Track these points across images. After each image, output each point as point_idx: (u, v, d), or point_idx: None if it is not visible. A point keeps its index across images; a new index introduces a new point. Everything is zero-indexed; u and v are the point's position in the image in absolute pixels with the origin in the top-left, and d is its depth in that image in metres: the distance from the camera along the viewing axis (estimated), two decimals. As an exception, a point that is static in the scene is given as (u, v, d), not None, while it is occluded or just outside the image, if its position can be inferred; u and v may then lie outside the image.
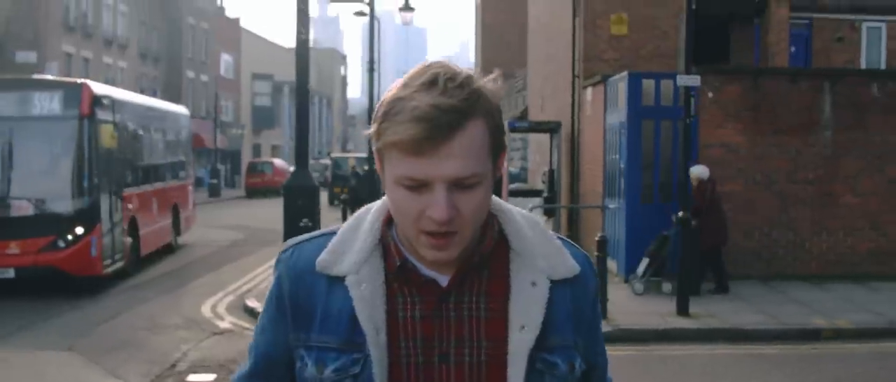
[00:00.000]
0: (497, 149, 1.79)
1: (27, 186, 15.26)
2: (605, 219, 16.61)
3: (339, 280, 1.87)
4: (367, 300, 1.84)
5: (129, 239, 17.18)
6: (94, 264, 15.31)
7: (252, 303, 13.55)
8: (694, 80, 12.46)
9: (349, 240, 1.90)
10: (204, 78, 63.59)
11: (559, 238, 1.97)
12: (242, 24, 75.79)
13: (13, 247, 14.85)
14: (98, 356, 10.71)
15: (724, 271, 14.08)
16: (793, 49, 21.07)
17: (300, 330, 1.90)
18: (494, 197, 1.91)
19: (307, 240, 1.97)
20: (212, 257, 20.99)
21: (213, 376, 9.60)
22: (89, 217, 15.32)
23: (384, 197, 1.88)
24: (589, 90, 18.71)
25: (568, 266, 1.91)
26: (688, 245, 12.48)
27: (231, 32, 70.64)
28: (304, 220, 12.77)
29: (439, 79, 1.72)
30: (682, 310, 12.26)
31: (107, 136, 16.26)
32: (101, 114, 15.95)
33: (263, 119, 75.86)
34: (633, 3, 19.36)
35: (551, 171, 19.87)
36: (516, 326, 1.85)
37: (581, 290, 1.94)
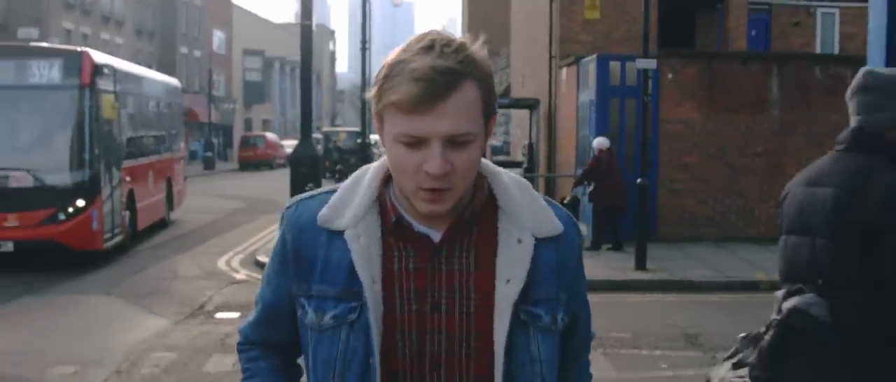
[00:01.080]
0: (488, 111, 1.92)
1: (26, 157, 14.84)
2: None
3: (338, 234, 1.99)
4: (365, 252, 1.96)
5: (127, 213, 16.92)
6: (94, 238, 15.01)
7: (263, 258, 15.27)
8: (650, 64, 14.21)
9: (348, 197, 2.03)
10: (197, 53, 65.09)
11: (545, 199, 2.09)
12: (234, 0, 77.14)
13: (12, 220, 14.46)
14: (134, 299, 12.45)
15: (619, 231, 15.72)
16: (753, 33, 22.81)
17: (302, 281, 2.03)
18: (486, 161, 2.05)
19: (309, 197, 2.09)
20: (215, 224, 22.31)
21: (237, 314, 11.32)
22: (90, 189, 14.93)
23: (382, 158, 2.04)
24: (564, 70, 20.46)
25: (553, 224, 2.04)
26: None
27: (223, 9, 72.04)
28: (309, 185, 14.43)
29: (436, 44, 1.85)
30: (640, 266, 14.03)
31: (107, 107, 15.97)
32: (102, 84, 15.57)
33: (254, 94, 77.30)
34: (605, -11, 21.07)
35: (530, 144, 21.64)
36: (502, 280, 1.97)
37: (565, 248, 2.06)
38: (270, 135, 61.14)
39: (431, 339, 1.97)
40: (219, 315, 11.42)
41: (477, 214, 2.00)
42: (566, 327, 2.09)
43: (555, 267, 2.03)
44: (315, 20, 16.27)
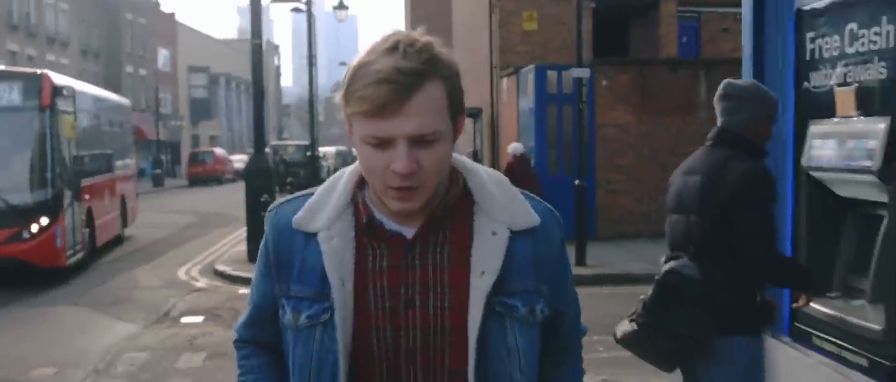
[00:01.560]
0: (455, 109, 1.92)
1: None
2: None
3: (313, 236, 2.02)
4: (336, 253, 1.99)
5: (86, 230, 17.18)
6: (58, 255, 15.29)
7: (221, 267, 15.97)
8: (584, 72, 15.13)
9: (324, 200, 2.06)
10: (142, 72, 65.26)
11: (524, 193, 2.09)
12: (177, 18, 77.35)
13: None
14: (101, 308, 13.09)
15: None
16: (685, 39, 23.85)
17: (282, 282, 2.07)
18: (461, 157, 2.08)
19: (289, 201, 2.14)
20: (170, 238, 22.80)
21: (201, 318, 12.02)
22: (53, 208, 15.22)
23: (356, 162, 2.02)
24: (505, 80, 21.35)
25: (529, 217, 2.03)
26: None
27: (167, 27, 72.19)
28: (265, 196, 15.19)
29: (400, 45, 1.85)
30: (580, 262, 14.91)
31: (67, 127, 16.25)
32: (61, 105, 15.88)
33: (201, 110, 77.43)
34: (542, 2, 22.00)
35: (474, 151, 22.48)
36: (477, 271, 1.97)
37: (543, 239, 2.05)
38: (219, 151, 61.53)
39: (406, 335, 1.98)
40: (184, 319, 12.10)
41: (450, 210, 2.01)
42: (549, 320, 2.09)
43: (532, 259, 2.03)
44: (251, 28, 16.99)
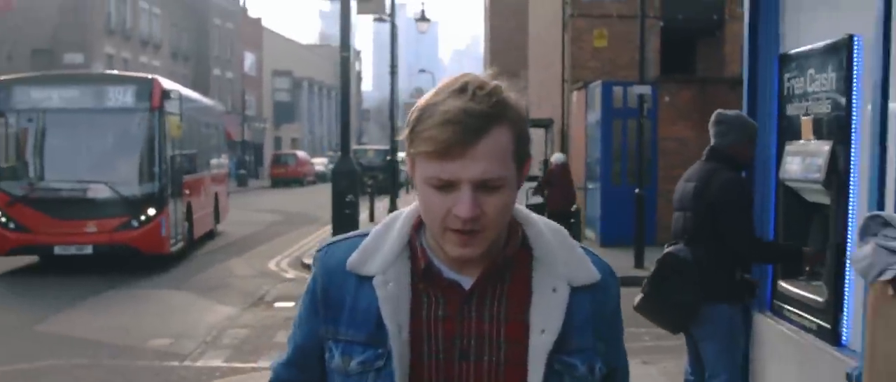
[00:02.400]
0: (521, 155, 1.89)
1: (104, 171, 16.52)
2: (586, 198, 20.50)
3: (367, 279, 1.97)
4: (393, 299, 1.94)
5: (186, 223, 18.66)
6: (162, 243, 16.82)
7: (308, 260, 17.40)
8: (646, 89, 16.34)
9: (379, 243, 2.01)
10: (229, 75, 67.59)
11: (582, 247, 2.04)
12: (263, 23, 79.76)
13: (91, 226, 16.28)
14: (203, 292, 14.63)
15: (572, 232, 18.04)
16: (750, 57, 24.80)
17: (330, 324, 2.01)
18: (521, 207, 2.03)
19: (341, 240, 2.09)
20: (258, 234, 24.40)
21: (292, 303, 13.43)
22: (159, 200, 16.68)
23: (414, 203, 2.01)
24: (574, 94, 22.59)
25: (589, 272, 1.99)
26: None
27: (253, 31, 74.61)
28: (350, 196, 16.59)
29: (469, 87, 1.83)
30: (639, 264, 16.09)
31: (173, 127, 17.54)
32: (168, 107, 17.17)
33: (284, 113, 79.73)
34: (613, 20, 23.19)
35: (545, 161, 23.72)
36: (537, 329, 1.92)
37: (601, 296, 2.00)
38: (301, 153, 63.49)
39: None
40: (277, 304, 13.57)
41: (510, 261, 1.96)
42: (604, 378, 2.04)
43: (591, 315, 1.98)
44: (340, 41, 18.38)
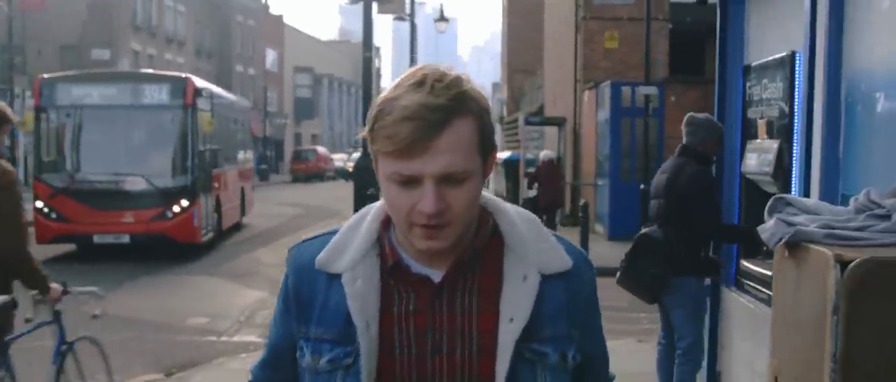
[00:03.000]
0: (486, 147, 1.87)
1: (140, 164, 17.60)
2: (596, 193, 21.44)
3: (336, 277, 1.95)
4: (361, 295, 1.92)
5: (215, 214, 19.81)
6: (195, 233, 17.99)
7: (330, 250, 18.45)
8: (652, 90, 17.28)
9: (348, 240, 1.99)
10: (251, 71, 68.75)
11: (555, 235, 2.03)
12: (285, 20, 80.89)
13: (128, 217, 17.44)
14: (233, 278, 15.67)
15: (554, 225, 18.92)
16: (757, 58, 25.66)
17: (301, 323, 2.00)
18: (493, 197, 2.03)
19: (311, 239, 2.08)
20: (282, 226, 25.50)
21: None
22: (192, 192, 17.75)
23: (379, 203, 2.00)
24: (586, 93, 23.52)
25: (561, 260, 1.97)
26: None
27: (275, 28, 75.72)
28: (371, 190, 17.55)
29: (427, 80, 1.80)
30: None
31: (205, 123, 18.44)
32: (201, 104, 18.24)
33: (304, 109, 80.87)
34: (623, 23, 24.09)
35: (558, 157, 24.66)
36: (506, 318, 1.91)
37: (575, 283, 1.99)
38: (321, 149, 64.72)
39: None
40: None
41: (479, 253, 1.96)
42: (578, 366, 2.02)
43: (564, 303, 1.97)
44: (360, 37, 19.50)
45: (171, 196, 17.61)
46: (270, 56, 74.20)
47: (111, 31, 48.76)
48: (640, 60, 23.78)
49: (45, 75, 18.87)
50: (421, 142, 1.78)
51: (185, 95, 17.94)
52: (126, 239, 17.44)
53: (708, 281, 6.70)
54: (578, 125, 24.87)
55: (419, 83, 1.82)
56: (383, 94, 1.86)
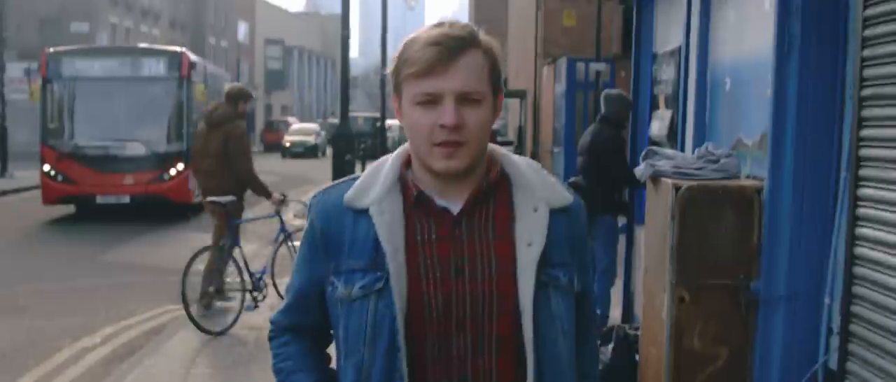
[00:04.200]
0: (496, 82, 2.16)
1: (139, 131, 19.13)
2: (553, 161, 23.39)
3: (363, 212, 2.19)
4: (388, 225, 2.16)
5: None
6: (189, 194, 19.32)
7: (311, 209, 20.28)
8: (601, 66, 19.22)
9: (372, 180, 2.24)
10: (223, 43, 70.04)
11: (556, 179, 2.32)
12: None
13: (129, 179, 18.98)
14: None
15: None
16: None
17: (331, 260, 2.23)
18: (498, 147, 2.29)
19: (333, 186, 2.31)
20: (262, 191, 27.30)
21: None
22: (186, 156, 18.50)
23: (402, 146, 2.28)
24: (545, 68, 25.43)
25: (563, 196, 2.25)
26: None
27: (247, 2, 76.92)
28: (347, 155, 19.30)
29: (445, 22, 2.16)
30: (593, 216, 19.05)
31: (198, 93, 20.18)
32: (195, 76, 19.94)
33: (275, 81, 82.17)
34: (581, 3, 25.98)
35: (520, 127, 26.61)
36: (523, 243, 2.16)
37: (574, 219, 2.27)
38: (292, 120, 66.19)
39: (457, 302, 2.14)
40: (292, 243, 16.39)
41: (493, 187, 2.19)
42: (578, 296, 2.28)
43: (566, 235, 2.23)
44: (328, 10, 21.04)
45: (167, 160, 19.19)
46: (242, 28, 75.51)
47: (89, 5, 50.03)
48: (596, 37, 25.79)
49: (51, 49, 20.41)
50: (442, 63, 2.08)
51: (181, 68, 19.51)
52: (126, 199, 19.05)
53: (623, 220, 8.70)
54: (538, 97, 26.80)
55: (439, 24, 2.17)
56: (408, 36, 2.18)
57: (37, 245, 16.40)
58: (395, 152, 2.28)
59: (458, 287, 2.15)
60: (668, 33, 8.07)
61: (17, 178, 28.39)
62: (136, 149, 19.13)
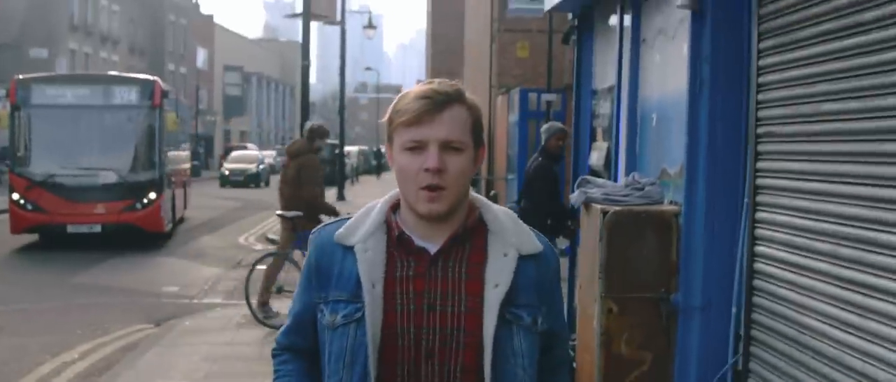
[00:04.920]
0: (477, 136, 2.40)
1: (111, 160, 18.95)
2: (507, 188, 24.18)
3: (350, 249, 2.43)
4: (369, 261, 2.40)
5: (171, 206, 21.30)
6: (161, 223, 19.65)
7: (272, 236, 20.88)
8: (552, 96, 20.04)
9: (361, 220, 2.48)
10: (183, 70, 70.42)
11: (530, 228, 2.52)
12: (215, 19, 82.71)
13: (100, 208, 18.78)
14: (193, 258, 18.07)
15: None
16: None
17: (322, 290, 2.48)
18: (478, 195, 2.52)
19: (329, 224, 2.56)
20: (223, 217, 27.83)
21: (265, 266, 16.91)
22: (158, 185, 19.24)
23: (391, 192, 2.52)
24: (499, 98, 26.25)
25: (533, 244, 2.46)
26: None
27: (205, 28, 77.45)
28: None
29: (435, 80, 2.41)
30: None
31: (170, 122, 20.36)
32: (166, 105, 20.02)
33: (234, 107, 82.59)
34: (534, 34, 26.80)
35: (475, 154, 27.40)
36: (491, 284, 2.38)
37: (543, 265, 2.48)
38: (251, 146, 66.52)
39: (427, 334, 2.36)
40: (256, 267, 17.00)
41: (469, 232, 2.41)
42: (546, 339, 2.51)
43: (534, 279, 2.43)
44: (286, 36, 21.61)
45: (140, 189, 19.12)
46: (201, 55, 75.91)
47: (49, 31, 50.41)
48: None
49: (20, 76, 20.22)
50: (429, 114, 2.32)
51: (154, 96, 19.56)
52: (98, 228, 18.86)
53: (566, 243, 9.48)
54: (493, 126, 27.58)
55: (429, 81, 2.43)
56: (402, 92, 2.44)
57: (4, 270, 16.84)
58: (385, 197, 2.52)
59: (430, 320, 2.36)
60: (606, 71, 8.82)
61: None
62: (108, 178, 19.05)
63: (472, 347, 2.36)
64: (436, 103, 2.33)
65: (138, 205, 19.17)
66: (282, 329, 2.65)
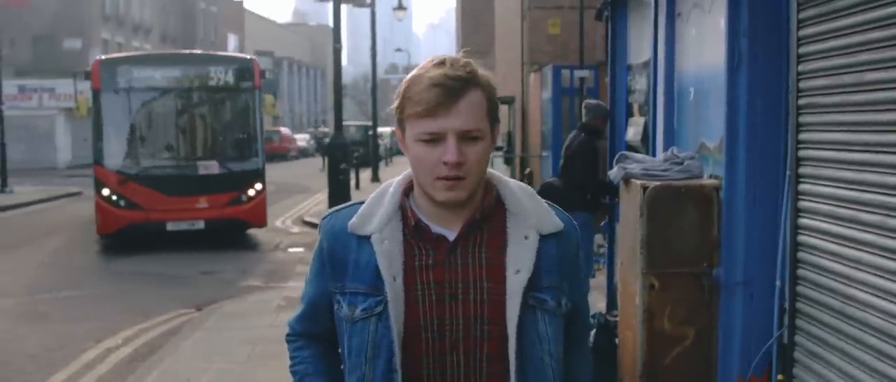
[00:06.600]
0: (493, 116, 2.29)
1: (213, 148, 17.37)
2: (541, 164, 24.13)
3: (366, 238, 2.35)
4: (387, 253, 2.32)
5: None
6: (264, 216, 17.73)
7: (308, 218, 21.05)
8: (584, 73, 19.93)
9: (374, 207, 2.39)
10: (214, 56, 70.77)
11: (548, 203, 2.43)
12: (245, 5, 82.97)
13: (202, 202, 16.70)
14: (230, 244, 17.99)
15: None
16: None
17: (337, 280, 2.40)
18: (495, 172, 2.42)
19: (342, 209, 2.47)
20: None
21: (302, 249, 17.00)
22: (262, 175, 17.50)
23: (403, 173, 2.41)
24: (532, 75, 26.16)
25: (554, 223, 2.38)
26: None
27: (236, 14, 77.89)
28: (343, 165, 19.95)
29: (447, 61, 2.25)
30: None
31: (268, 105, 19.33)
32: (265, 87, 18.36)
33: (265, 92, 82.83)
34: (565, 11, 26.68)
35: (508, 132, 27.33)
36: (513, 270, 2.31)
37: (564, 243, 2.39)
38: (284, 130, 66.79)
39: (451, 324, 2.30)
40: (290, 249, 17.16)
41: (487, 215, 2.33)
42: (568, 313, 2.43)
43: (557, 258, 2.36)
44: (316, 20, 21.31)
45: (244, 179, 17.34)
46: (232, 41, 76.21)
47: (82, 21, 50.78)
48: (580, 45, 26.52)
49: (103, 57, 18.63)
50: (444, 105, 2.19)
51: (254, 77, 17.57)
52: (201, 224, 16.92)
53: (604, 220, 9.44)
54: (526, 103, 27.52)
55: (440, 63, 2.26)
56: (410, 74, 2.28)
57: (44, 256, 16.97)
58: (397, 179, 2.43)
59: (452, 310, 2.30)
60: (641, 46, 8.77)
61: (16, 193, 29.00)
62: (211, 169, 17.21)
63: (497, 336, 2.31)
64: (451, 92, 2.21)
65: (244, 198, 17.35)
66: (295, 315, 2.60)
